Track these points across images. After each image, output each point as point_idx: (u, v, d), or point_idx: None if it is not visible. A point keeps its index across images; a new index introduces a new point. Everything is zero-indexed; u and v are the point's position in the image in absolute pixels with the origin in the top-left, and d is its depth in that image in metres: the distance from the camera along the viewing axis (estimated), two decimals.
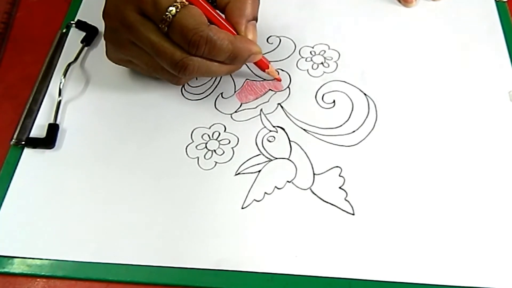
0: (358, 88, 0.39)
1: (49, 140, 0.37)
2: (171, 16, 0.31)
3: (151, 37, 0.32)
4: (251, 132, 0.37)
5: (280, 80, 0.39)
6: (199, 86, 0.39)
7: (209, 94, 0.39)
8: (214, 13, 0.34)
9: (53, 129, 0.37)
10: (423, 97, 0.38)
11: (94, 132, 0.37)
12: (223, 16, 0.35)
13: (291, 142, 0.36)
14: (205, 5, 0.34)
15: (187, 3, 0.32)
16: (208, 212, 0.33)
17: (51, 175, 0.35)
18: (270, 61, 0.38)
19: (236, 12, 0.34)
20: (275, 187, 0.34)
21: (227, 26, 0.34)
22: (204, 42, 0.32)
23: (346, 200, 0.33)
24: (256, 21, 0.36)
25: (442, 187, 0.34)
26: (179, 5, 0.32)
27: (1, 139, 0.37)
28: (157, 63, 0.34)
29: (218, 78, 0.40)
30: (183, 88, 0.39)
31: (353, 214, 0.33)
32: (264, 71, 0.38)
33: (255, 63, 0.37)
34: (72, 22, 0.44)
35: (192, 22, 0.31)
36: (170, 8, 0.31)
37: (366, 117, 0.37)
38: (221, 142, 0.37)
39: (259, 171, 0.35)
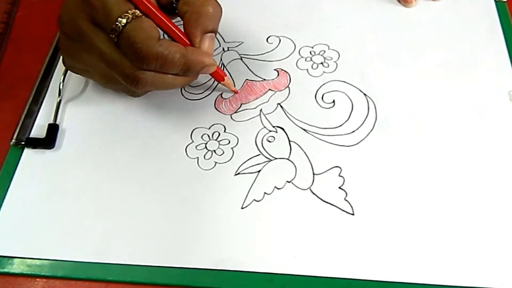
0: (357, 88, 0.39)
1: (49, 140, 0.37)
2: (121, 27, 0.30)
3: (102, 47, 0.31)
4: (251, 132, 0.37)
5: (237, 93, 0.39)
6: (199, 86, 0.39)
7: (209, 94, 0.39)
8: (169, 24, 0.33)
9: (53, 129, 0.37)
10: (423, 97, 0.38)
11: (94, 132, 0.37)
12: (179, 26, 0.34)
13: (291, 142, 0.36)
14: (160, 16, 0.33)
15: (140, 14, 0.31)
16: (208, 212, 0.33)
17: (51, 175, 0.36)
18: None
19: (192, 23, 0.33)
20: (275, 187, 0.34)
21: (182, 37, 0.33)
22: (155, 58, 0.31)
23: (346, 200, 0.33)
24: (215, 33, 0.34)
25: (442, 187, 0.34)
26: (130, 16, 0.30)
27: (1, 139, 0.37)
28: (112, 74, 0.33)
29: None
30: (183, 88, 0.39)
31: (353, 214, 0.33)
32: (219, 83, 0.38)
33: (211, 75, 0.36)
34: None
35: (142, 36, 0.30)
36: (120, 19, 0.30)
37: (366, 117, 0.37)
38: (221, 142, 0.37)
39: (259, 171, 0.35)
